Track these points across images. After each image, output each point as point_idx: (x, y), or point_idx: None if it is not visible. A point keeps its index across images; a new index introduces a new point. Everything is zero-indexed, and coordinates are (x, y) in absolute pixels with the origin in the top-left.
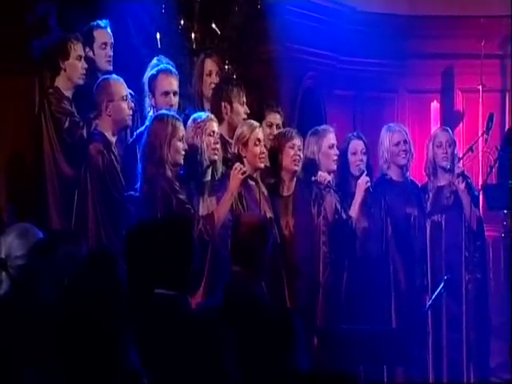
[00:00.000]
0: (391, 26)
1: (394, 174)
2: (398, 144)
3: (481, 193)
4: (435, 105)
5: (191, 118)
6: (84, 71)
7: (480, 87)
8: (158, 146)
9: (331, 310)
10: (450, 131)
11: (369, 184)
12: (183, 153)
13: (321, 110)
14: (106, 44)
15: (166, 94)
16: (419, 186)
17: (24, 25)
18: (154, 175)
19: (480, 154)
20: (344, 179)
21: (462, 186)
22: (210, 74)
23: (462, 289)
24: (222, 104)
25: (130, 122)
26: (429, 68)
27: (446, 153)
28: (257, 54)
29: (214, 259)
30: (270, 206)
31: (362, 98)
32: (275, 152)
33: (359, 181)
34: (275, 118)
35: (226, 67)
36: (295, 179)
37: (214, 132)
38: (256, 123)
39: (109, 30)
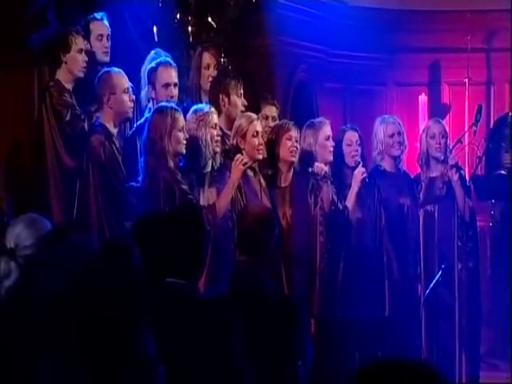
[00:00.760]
0: (380, 20)
1: (387, 164)
2: (392, 135)
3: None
4: (423, 97)
5: (192, 110)
6: (84, 64)
7: (466, 80)
8: (159, 137)
9: (327, 299)
10: (443, 123)
11: (365, 175)
12: (184, 142)
13: (312, 102)
14: (102, 36)
15: (167, 85)
16: (411, 176)
17: (22, 18)
18: (156, 167)
19: (467, 145)
20: (339, 170)
21: (455, 177)
22: (207, 68)
23: (454, 277)
24: (220, 96)
25: (131, 114)
26: (416, 62)
27: (440, 144)
28: (251, 47)
29: (215, 249)
30: (268, 197)
31: (352, 91)
32: (272, 144)
33: (355, 172)
34: (271, 110)
35: (222, 60)
36: (292, 170)
37: (215, 124)
38: (254, 115)
39: (105, 22)
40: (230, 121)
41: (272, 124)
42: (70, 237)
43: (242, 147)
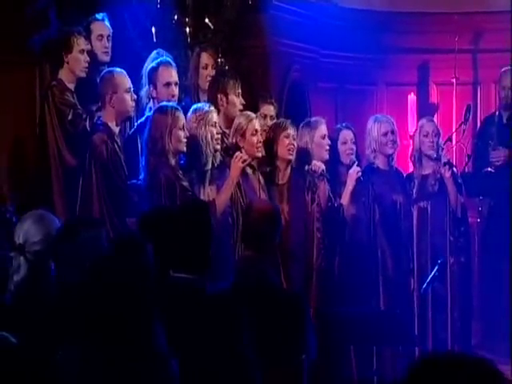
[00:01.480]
0: (371, 21)
1: (380, 162)
2: (385, 134)
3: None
4: (412, 97)
5: (192, 109)
6: (86, 64)
7: (454, 80)
8: (160, 136)
9: (324, 293)
10: (436, 121)
11: (360, 174)
12: (185, 141)
13: (306, 102)
14: (102, 36)
15: (168, 85)
16: (403, 173)
17: (24, 18)
18: (158, 164)
19: (454, 143)
20: (334, 168)
21: (447, 173)
22: (205, 67)
23: (446, 272)
24: (219, 96)
25: (132, 113)
26: (406, 62)
27: (432, 142)
28: (247, 47)
29: (215, 245)
30: (266, 194)
31: (343, 90)
32: (270, 142)
33: (350, 170)
34: (269, 109)
35: (219, 60)
36: (290, 168)
37: (215, 123)
38: (253, 114)
39: (106, 22)
40: (229, 119)
41: (270, 123)
42: (80, 233)
43: (242, 145)
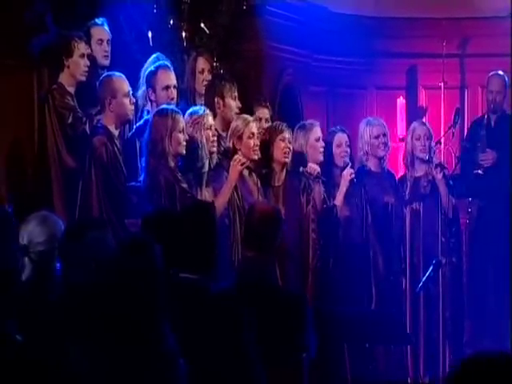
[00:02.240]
0: (361, 26)
1: (372, 165)
2: (377, 137)
3: None
4: (401, 101)
5: (187, 112)
6: (86, 68)
7: (442, 84)
8: (160, 139)
9: (319, 292)
10: (428, 125)
11: (353, 175)
12: (184, 143)
13: (298, 105)
14: (102, 40)
15: (167, 88)
16: (395, 175)
17: (22, 22)
18: (157, 167)
19: (443, 147)
20: (329, 170)
21: (439, 175)
22: (202, 72)
23: (438, 272)
24: (215, 99)
25: (132, 117)
26: (395, 66)
27: (424, 145)
28: (241, 51)
29: None
30: (262, 196)
31: (334, 94)
32: (266, 145)
33: (344, 172)
34: (264, 112)
35: (214, 64)
36: (285, 170)
37: (211, 126)
38: (250, 118)
39: (106, 27)
40: (225, 122)
41: (265, 125)
42: (86, 233)
43: (238, 148)
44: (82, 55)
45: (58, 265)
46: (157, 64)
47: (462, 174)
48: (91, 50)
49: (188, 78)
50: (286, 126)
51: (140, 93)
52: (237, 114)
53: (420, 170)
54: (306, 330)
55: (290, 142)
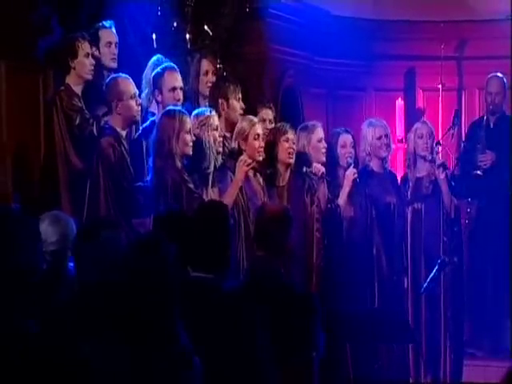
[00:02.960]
0: (360, 29)
1: (374, 165)
2: (379, 138)
3: None
4: (399, 102)
5: (194, 113)
6: (92, 67)
7: (440, 86)
8: (167, 139)
9: (324, 291)
10: (429, 124)
11: (356, 175)
12: (191, 144)
13: (298, 106)
14: (110, 43)
15: (174, 89)
16: (396, 176)
17: (28, 25)
18: (164, 167)
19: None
20: (334, 171)
21: (442, 175)
22: (206, 74)
23: (443, 271)
24: (220, 100)
25: (138, 118)
26: (394, 68)
27: (427, 144)
28: (244, 53)
29: None
30: (267, 196)
31: (333, 95)
32: (271, 145)
33: (347, 172)
34: (267, 113)
35: (218, 66)
36: (289, 170)
37: (217, 126)
38: (255, 119)
39: (113, 30)
40: (229, 123)
41: (269, 126)
42: (100, 233)
43: (244, 149)
44: (87, 55)
45: (71, 264)
46: (163, 65)
47: (461, 175)
48: (99, 53)
49: (192, 80)
50: (290, 126)
51: (143, 94)
52: (241, 115)
53: (422, 170)
54: (315, 329)
55: (293, 143)
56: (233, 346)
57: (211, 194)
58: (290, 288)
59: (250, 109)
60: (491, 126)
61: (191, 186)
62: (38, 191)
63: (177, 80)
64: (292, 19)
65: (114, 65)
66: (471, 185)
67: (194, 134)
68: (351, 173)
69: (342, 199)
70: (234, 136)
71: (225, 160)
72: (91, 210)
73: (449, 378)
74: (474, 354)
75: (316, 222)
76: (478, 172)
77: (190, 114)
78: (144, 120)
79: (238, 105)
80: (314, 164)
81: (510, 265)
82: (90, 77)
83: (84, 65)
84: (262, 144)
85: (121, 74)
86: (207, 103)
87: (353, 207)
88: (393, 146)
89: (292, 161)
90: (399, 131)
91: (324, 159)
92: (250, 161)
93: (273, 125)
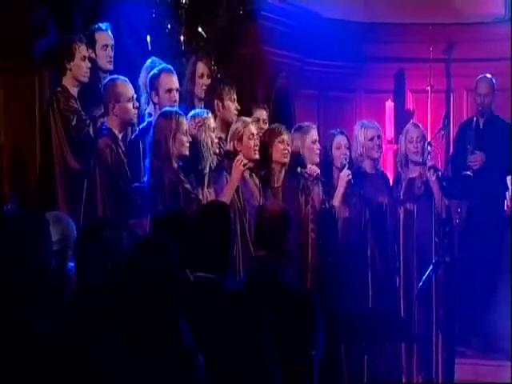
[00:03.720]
0: (351, 31)
1: (367, 166)
2: (372, 139)
3: None
4: (389, 104)
5: (190, 114)
6: (88, 70)
7: (428, 88)
8: (164, 140)
9: (319, 291)
10: (421, 126)
11: (350, 177)
12: (187, 145)
13: (290, 107)
14: (106, 46)
15: (170, 91)
16: (388, 176)
17: (25, 27)
18: (161, 167)
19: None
20: (329, 172)
21: (433, 177)
22: (201, 77)
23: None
24: (215, 101)
25: (135, 121)
26: (383, 70)
27: (417, 147)
28: (237, 55)
29: None
30: (262, 196)
31: (324, 97)
32: (265, 146)
33: (341, 173)
34: (261, 113)
35: (213, 68)
36: (284, 171)
37: (214, 128)
38: (249, 119)
39: (109, 32)
40: (224, 124)
41: (263, 126)
42: (102, 233)
43: (239, 149)
44: (83, 58)
45: (71, 264)
46: (160, 67)
47: (452, 176)
48: (95, 55)
49: (187, 82)
50: (285, 128)
51: (142, 98)
52: (235, 115)
53: (414, 171)
54: (315, 327)
55: (288, 145)
56: (236, 345)
57: (207, 194)
58: (290, 287)
59: (244, 110)
60: (480, 126)
61: (188, 186)
62: (35, 192)
63: (173, 81)
64: (285, 22)
65: (110, 67)
66: (462, 185)
67: (191, 135)
68: (345, 174)
69: (336, 200)
70: (228, 138)
71: (220, 161)
72: (88, 210)
73: (441, 375)
74: (465, 353)
75: (311, 223)
76: (468, 172)
77: (185, 115)
78: (141, 122)
79: (233, 106)
80: (309, 165)
81: (510, 265)
82: (85, 79)
83: (80, 67)
84: (257, 143)
85: (120, 76)
86: (202, 105)
87: (347, 208)
88: (383, 146)
89: (286, 161)
90: (389, 132)
91: (318, 160)
92: (246, 161)
93: (267, 125)
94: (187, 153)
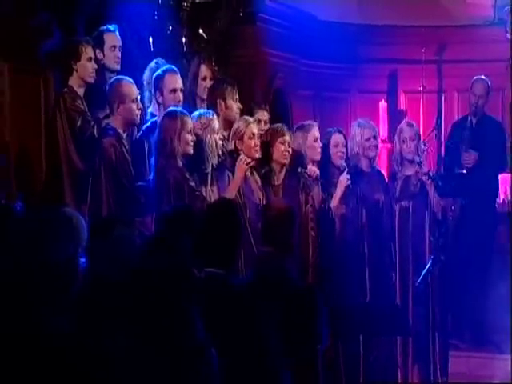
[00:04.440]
0: (345, 33)
1: (363, 164)
2: (368, 139)
3: None
4: (383, 104)
5: (196, 114)
6: (94, 71)
7: (421, 88)
8: (169, 139)
9: (320, 288)
10: (415, 125)
11: (349, 182)
12: (192, 144)
13: (287, 107)
14: (114, 46)
15: (174, 91)
16: (383, 174)
17: (30, 29)
18: (166, 166)
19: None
20: (326, 169)
21: (428, 182)
22: (204, 79)
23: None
24: (218, 101)
25: (138, 121)
26: (377, 71)
27: (410, 147)
28: (236, 56)
29: None
30: (263, 194)
31: (320, 97)
32: (267, 145)
33: (341, 177)
34: (263, 114)
35: (214, 69)
36: (284, 170)
37: (218, 130)
38: (250, 119)
39: (117, 33)
40: (227, 123)
41: (264, 127)
42: (114, 230)
43: (240, 148)
44: (90, 59)
45: (82, 260)
46: (164, 68)
47: (445, 174)
48: (103, 55)
49: (190, 83)
50: (287, 129)
51: (146, 98)
52: (237, 114)
53: (409, 170)
54: (320, 322)
55: (289, 146)
56: (246, 338)
57: (210, 192)
58: (295, 283)
59: (244, 110)
60: (473, 126)
61: (192, 184)
62: (41, 190)
63: (177, 82)
64: (282, 24)
65: (118, 67)
66: (456, 183)
67: (196, 135)
68: (344, 179)
69: (334, 202)
70: (230, 136)
71: (222, 159)
72: (93, 208)
73: (432, 367)
74: (458, 346)
75: (310, 221)
76: (463, 171)
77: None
78: (143, 121)
79: (235, 105)
80: (309, 166)
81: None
82: (91, 80)
83: (86, 68)
84: (258, 143)
85: (125, 77)
86: (204, 106)
87: (344, 205)
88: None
89: (286, 161)
90: (383, 131)
91: (319, 158)
92: (249, 160)
93: (268, 125)
94: (192, 151)
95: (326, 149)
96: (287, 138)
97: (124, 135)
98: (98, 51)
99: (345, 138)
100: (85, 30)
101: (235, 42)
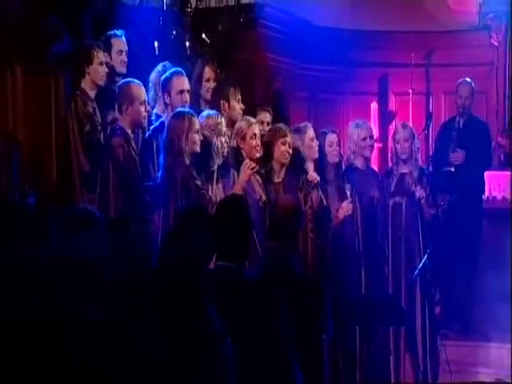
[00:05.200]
0: (339, 38)
1: (359, 163)
2: (364, 139)
3: None
4: (374, 105)
5: (203, 114)
6: (105, 74)
7: (410, 91)
8: (177, 138)
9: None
10: (409, 126)
11: (350, 212)
12: (199, 143)
13: (285, 109)
14: (121, 51)
15: (181, 92)
16: (377, 172)
17: (41, 32)
18: (174, 164)
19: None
20: (321, 168)
21: (420, 191)
22: (208, 81)
23: (418, 261)
24: (221, 102)
25: (145, 124)
26: (369, 74)
27: (404, 147)
28: (237, 59)
29: None
30: (264, 191)
31: (315, 99)
32: (268, 145)
33: (343, 204)
34: (266, 116)
35: (217, 71)
36: (285, 168)
37: (225, 132)
38: (253, 119)
39: (124, 38)
40: (230, 123)
41: (267, 128)
42: (131, 225)
43: (242, 147)
44: (101, 63)
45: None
46: (172, 70)
47: (434, 172)
48: (111, 59)
49: (194, 84)
50: (289, 130)
51: (151, 98)
52: (240, 114)
53: (404, 168)
54: (325, 313)
55: (290, 146)
56: (256, 329)
57: (216, 189)
58: (302, 275)
59: (244, 111)
60: (461, 126)
61: (199, 182)
62: (52, 188)
63: (184, 83)
64: (281, 29)
65: (124, 70)
66: (444, 180)
67: (203, 135)
68: (347, 208)
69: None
70: (232, 135)
71: (227, 157)
72: (101, 206)
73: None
74: (447, 335)
75: (309, 223)
76: (451, 169)
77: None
78: (150, 121)
79: (238, 106)
80: (310, 173)
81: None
82: (102, 83)
83: (98, 72)
84: (259, 143)
85: (134, 79)
86: (208, 107)
87: (340, 203)
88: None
89: (286, 161)
90: (374, 131)
91: (317, 156)
92: (253, 165)
93: (269, 127)
94: (198, 150)
95: (321, 148)
96: (288, 138)
97: (132, 135)
98: (105, 55)
99: (338, 138)
100: (92, 33)
101: (236, 46)
